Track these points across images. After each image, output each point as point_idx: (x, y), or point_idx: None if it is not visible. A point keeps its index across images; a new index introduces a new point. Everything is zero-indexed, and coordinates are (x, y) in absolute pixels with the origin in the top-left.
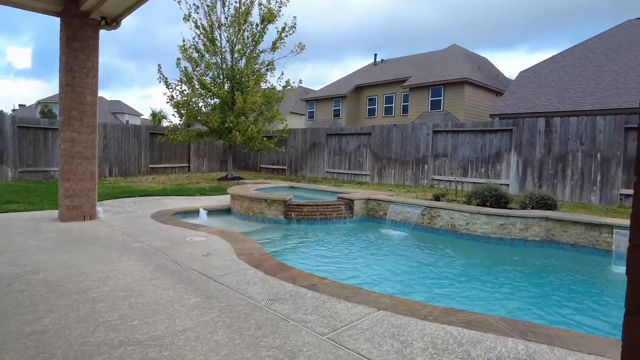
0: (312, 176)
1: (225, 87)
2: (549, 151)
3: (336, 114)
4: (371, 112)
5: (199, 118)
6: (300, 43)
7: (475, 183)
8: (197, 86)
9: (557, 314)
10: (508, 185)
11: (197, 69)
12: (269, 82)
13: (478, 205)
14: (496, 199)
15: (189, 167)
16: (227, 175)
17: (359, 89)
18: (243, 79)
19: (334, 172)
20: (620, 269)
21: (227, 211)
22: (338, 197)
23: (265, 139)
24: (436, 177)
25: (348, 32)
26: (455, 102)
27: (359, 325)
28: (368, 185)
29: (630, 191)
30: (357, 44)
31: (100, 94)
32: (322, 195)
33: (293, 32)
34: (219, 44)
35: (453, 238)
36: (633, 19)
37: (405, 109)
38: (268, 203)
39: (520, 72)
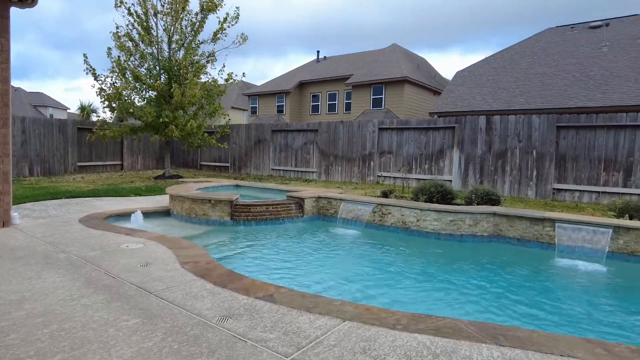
0: (257, 174)
1: (162, 79)
2: (490, 148)
3: (280, 110)
4: (315, 108)
5: (131, 111)
6: (242, 34)
7: (419, 179)
8: (130, 78)
9: (514, 310)
10: (451, 181)
11: (130, 59)
12: (210, 75)
13: (426, 201)
14: (442, 195)
15: (122, 165)
16: (164, 173)
17: (302, 85)
18: (181, 71)
19: (280, 170)
20: (564, 262)
21: (166, 213)
22: (288, 196)
23: (206, 134)
24: (382, 173)
25: (290, 27)
26: (395, 100)
27: (326, 341)
28: (315, 182)
29: (562, 185)
30: (299, 40)
31: (18, 84)
32: (270, 194)
33: (235, 22)
34: (155, 33)
35: (404, 235)
36: (553, 27)
37: (348, 107)
38: (212, 204)
39: (457, 72)
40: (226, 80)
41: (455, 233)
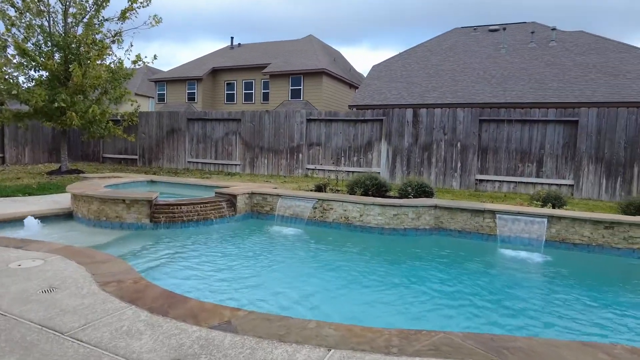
0: (171, 167)
1: (56, 57)
2: (416, 140)
3: (191, 98)
4: (230, 97)
5: (14, 93)
6: (155, 16)
7: (348, 172)
8: (13, 53)
9: (478, 308)
10: (379, 173)
11: (12, 30)
12: (116, 56)
13: (362, 194)
14: (377, 188)
15: (2, 157)
16: (60, 167)
17: (216, 72)
18: (82, 49)
19: (197, 162)
20: (507, 252)
21: (68, 217)
22: (217, 193)
23: (110, 123)
24: (310, 166)
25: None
26: (314, 92)
27: None
28: (240, 176)
29: (484, 176)
30: (207, 26)
31: None
32: (194, 190)
33: (148, 4)
34: (46, 2)
35: (347, 231)
36: (459, 27)
37: (266, 96)
38: (127, 204)
39: (373, 66)
40: (134, 62)
41: (398, 227)
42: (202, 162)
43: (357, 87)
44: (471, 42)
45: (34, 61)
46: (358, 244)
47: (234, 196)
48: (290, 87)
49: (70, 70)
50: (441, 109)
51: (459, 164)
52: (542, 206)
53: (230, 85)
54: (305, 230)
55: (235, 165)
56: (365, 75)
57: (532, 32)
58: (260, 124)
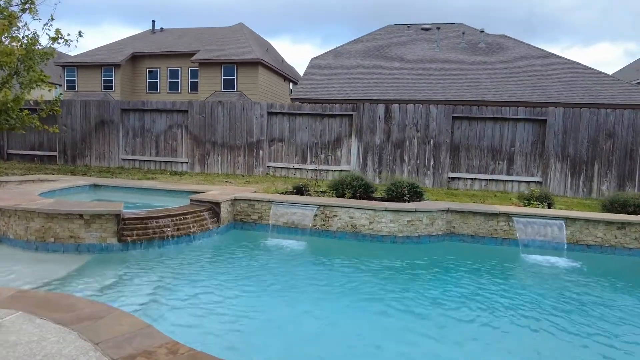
0: (102, 165)
1: None
2: (389, 137)
3: (108, 86)
4: (153, 86)
5: None
6: None
7: (315, 170)
8: None
9: (549, 324)
10: (349, 171)
11: None
12: (29, 29)
13: (352, 197)
14: (364, 189)
15: None
16: None
17: (136, 58)
18: None
19: (134, 160)
20: (534, 258)
21: None
22: (193, 200)
23: (24, 112)
24: (272, 164)
25: None
26: (249, 83)
27: None
28: (190, 175)
29: (456, 174)
30: (117, 9)
31: None
32: (154, 196)
33: None
34: None
35: (354, 241)
36: (392, 25)
37: (194, 86)
38: (87, 220)
39: (312, 59)
40: (54, 38)
41: (412, 235)
42: (140, 160)
43: (291, 80)
44: (406, 39)
45: None
46: (378, 256)
47: (217, 204)
48: (223, 77)
49: None
50: (414, 105)
51: (432, 162)
52: (538, 206)
53: (152, 73)
54: (309, 243)
55: (182, 162)
56: (295, 68)
57: (463, 33)
58: (212, 117)
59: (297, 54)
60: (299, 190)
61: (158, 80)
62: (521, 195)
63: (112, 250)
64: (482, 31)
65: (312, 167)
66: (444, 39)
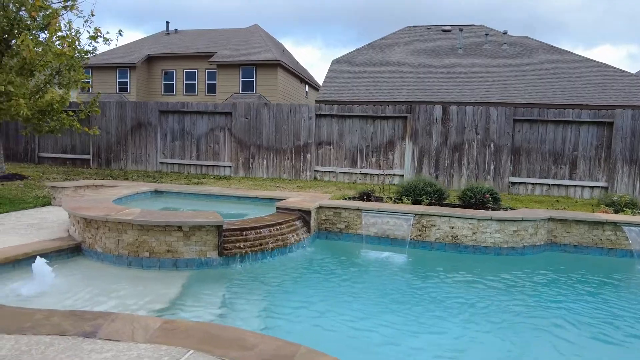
0: (138, 169)
1: None
2: (446, 140)
3: (123, 88)
4: (169, 88)
5: None
6: None
7: (365, 174)
8: None
9: None
10: (402, 175)
11: None
12: (72, 26)
13: (430, 204)
14: (439, 195)
15: None
16: None
17: (151, 59)
18: (23, 14)
19: (173, 164)
20: None
21: (73, 252)
22: (280, 208)
23: (64, 114)
24: (319, 168)
25: None
26: (268, 85)
27: None
28: (236, 180)
29: (516, 179)
30: (118, 11)
31: None
32: (223, 203)
33: None
34: None
35: (455, 253)
36: (412, 26)
37: (212, 88)
38: (186, 232)
39: (333, 61)
40: (93, 37)
41: (517, 246)
42: (179, 164)
43: (307, 82)
44: (427, 41)
45: None
46: (492, 270)
47: (307, 212)
48: (242, 79)
49: (15, 41)
50: (473, 106)
51: (492, 166)
52: (617, 212)
53: (168, 75)
54: (409, 255)
55: (224, 167)
56: (308, 70)
57: (487, 35)
58: (258, 119)
59: (299, 57)
60: (367, 195)
61: (174, 82)
62: (606, 201)
63: (212, 266)
64: (505, 33)
65: (363, 171)
66: (466, 41)
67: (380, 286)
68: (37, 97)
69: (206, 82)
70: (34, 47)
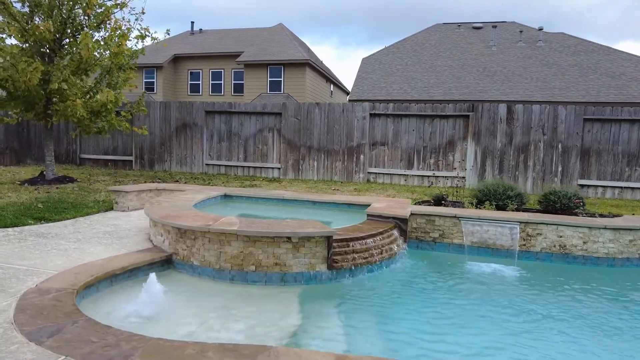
0: (183, 171)
1: (37, 20)
2: (511, 140)
3: (149, 88)
4: (195, 88)
5: None
6: None
7: (422, 176)
8: None
9: None
10: (464, 177)
11: None
12: (128, 22)
13: (517, 209)
14: (519, 200)
15: None
16: (43, 173)
17: (177, 59)
18: (78, 12)
19: (220, 165)
20: None
21: (164, 265)
22: (372, 216)
23: (113, 115)
24: (373, 169)
25: None
26: (296, 84)
27: None
28: (289, 182)
29: (585, 181)
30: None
31: None
32: (299, 208)
33: None
34: None
35: (563, 264)
36: (441, 24)
37: (238, 88)
38: (295, 243)
39: (363, 59)
40: (140, 37)
41: (632, 256)
42: (225, 165)
43: (332, 81)
44: (458, 38)
45: (15, 22)
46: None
47: (404, 220)
48: (269, 79)
49: (64, 40)
50: (540, 105)
51: (559, 168)
52: None
53: (194, 75)
54: (521, 267)
55: (273, 168)
56: (330, 69)
57: (521, 32)
58: (308, 119)
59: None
60: (439, 200)
61: (200, 81)
62: None
63: (320, 280)
64: (540, 29)
65: (419, 172)
66: (499, 38)
67: (508, 307)
68: (87, 97)
69: (232, 81)
70: (93, 46)
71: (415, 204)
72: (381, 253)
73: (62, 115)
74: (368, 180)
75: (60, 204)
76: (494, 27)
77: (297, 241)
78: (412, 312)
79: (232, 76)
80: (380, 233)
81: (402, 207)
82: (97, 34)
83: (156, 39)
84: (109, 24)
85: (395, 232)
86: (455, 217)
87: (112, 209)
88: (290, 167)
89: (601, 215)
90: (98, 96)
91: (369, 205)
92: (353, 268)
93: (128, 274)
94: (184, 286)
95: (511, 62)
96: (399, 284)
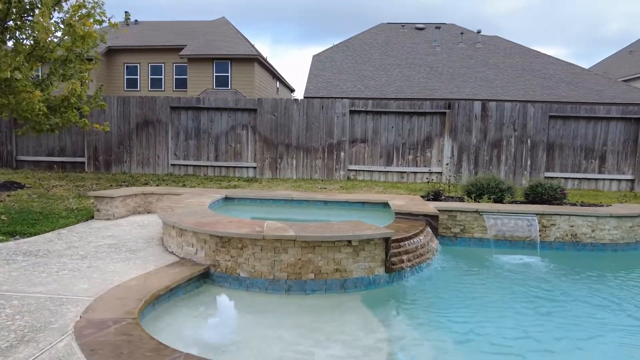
0: (146, 172)
1: None
2: (485, 136)
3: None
4: (132, 83)
5: None
6: None
7: (401, 172)
8: None
9: None
10: (441, 173)
11: None
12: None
13: (496, 202)
14: (511, 193)
15: None
16: None
17: (112, 52)
18: None
19: (188, 165)
20: None
21: (200, 279)
22: (401, 214)
23: (72, 111)
24: (353, 167)
25: None
26: (244, 80)
27: None
28: (267, 181)
29: (550, 174)
30: None
31: None
32: (310, 209)
33: None
34: None
35: (574, 251)
36: (385, 23)
37: (181, 83)
38: (355, 247)
39: (314, 56)
40: (98, 22)
41: (631, 241)
42: (194, 165)
43: (278, 78)
44: (404, 38)
45: None
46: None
47: (434, 217)
48: (215, 74)
49: (19, 23)
50: (511, 103)
51: (529, 162)
52: None
53: (131, 69)
54: (546, 257)
55: (248, 167)
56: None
57: (462, 33)
58: (286, 116)
59: None
60: (436, 194)
61: (138, 76)
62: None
63: (379, 284)
64: (479, 32)
65: (399, 169)
66: (441, 39)
67: (554, 298)
68: (41, 88)
69: (174, 76)
70: (52, 28)
71: (420, 199)
72: (427, 252)
73: (13, 110)
74: (348, 178)
75: (27, 214)
76: (438, 28)
77: (357, 244)
78: (491, 304)
79: (173, 71)
80: (421, 231)
81: (422, 204)
82: (55, 15)
83: (116, 25)
84: (69, 1)
85: (429, 230)
86: (476, 211)
87: (92, 217)
88: (267, 166)
89: (582, 205)
90: (63, 85)
91: (384, 203)
92: (408, 269)
93: (168, 294)
94: (238, 302)
95: (455, 62)
96: (454, 280)
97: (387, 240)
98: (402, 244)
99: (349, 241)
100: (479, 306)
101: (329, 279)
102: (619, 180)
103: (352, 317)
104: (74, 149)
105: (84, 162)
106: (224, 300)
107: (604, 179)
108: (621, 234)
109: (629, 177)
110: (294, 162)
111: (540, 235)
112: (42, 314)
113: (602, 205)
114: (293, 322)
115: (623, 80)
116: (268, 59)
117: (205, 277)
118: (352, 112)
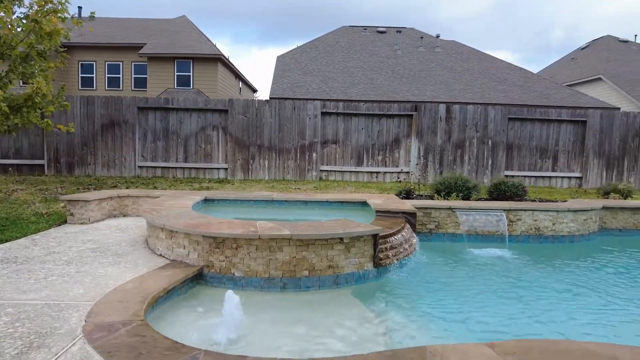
0: (111, 175)
1: None
2: (449, 138)
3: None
4: (87, 82)
5: None
6: None
7: (371, 172)
8: None
9: None
10: (409, 172)
11: None
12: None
13: (463, 199)
14: (476, 191)
15: None
16: None
17: (65, 49)
18: None
19: (156, 167)
20: None
21: (194, 280)
22: (382, 212)
23: (37, 111)
24: (325, 167)
25: None
26: (207, 80)
27: None
28: (240, 182)
29: (510, 172)
30: None
31: None
32: (292, 209)
33: None
34: None
35: (537, 244)
36: (348, 26)
37: (140, 83)
38: (347, 244)
39: (278, 57)
40: (62, 19)
41: (585, 233)
42: (162, 167)
43: (241, 78)
44: (366, 41)
45: None
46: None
47: (412, 214)
48: (177, 73)
49: None
50: (474, 105)
51: (490, 161)
52: (625, 198)
53: (86, 67)
54: (514, 249)
55: (219, 169)
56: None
57: (422, 38)
58: (258, 117)
59: None
60: (408, 193)
61: (94, 75)
62: (607, 189)
63: (368, 278)
64: (437, 36)
65: (368, 169)
66: (402, 42)
67: (544, 284)
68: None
69: (133, 76)
70: (15, 24)
71: (392, 197)
72: (409, 247)
73: None
74: (320, 178)
75: None
76: (399, 32)
77: (348, 241)
78: (470, 291)
79: (132, 70)
80: (403, 228)
81: (399, 202)
82: (17, 9)
83: (81, 22)
84: None
85: (409, 227)
86: (449, 208)
87: (65, 222)
88: (239, 167)
89: (540, 200)
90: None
91: (363, 202)
92: (393, 263)
93: (165, 296)
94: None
95: (415, 65)
96: (435, 272)
97: (375, 237)
98: (387, 240)
99: (341, 238)
100: (459, 293)
101: (322, 275)
102: (570, 177)
103: (349, 310)
104: (31, 151)
105: (43, 165)
106: (228, 298)
107: (556, 177)
108: (577, 227)
109: (578, 174)
110: (267, 163)
111: (508, 230)
112: (44, 320)
113: (557, 201)
114: (293, 317)
115: (567, 85)
116: (230, 59)
117: (198, 278)
118: (323, 113)
